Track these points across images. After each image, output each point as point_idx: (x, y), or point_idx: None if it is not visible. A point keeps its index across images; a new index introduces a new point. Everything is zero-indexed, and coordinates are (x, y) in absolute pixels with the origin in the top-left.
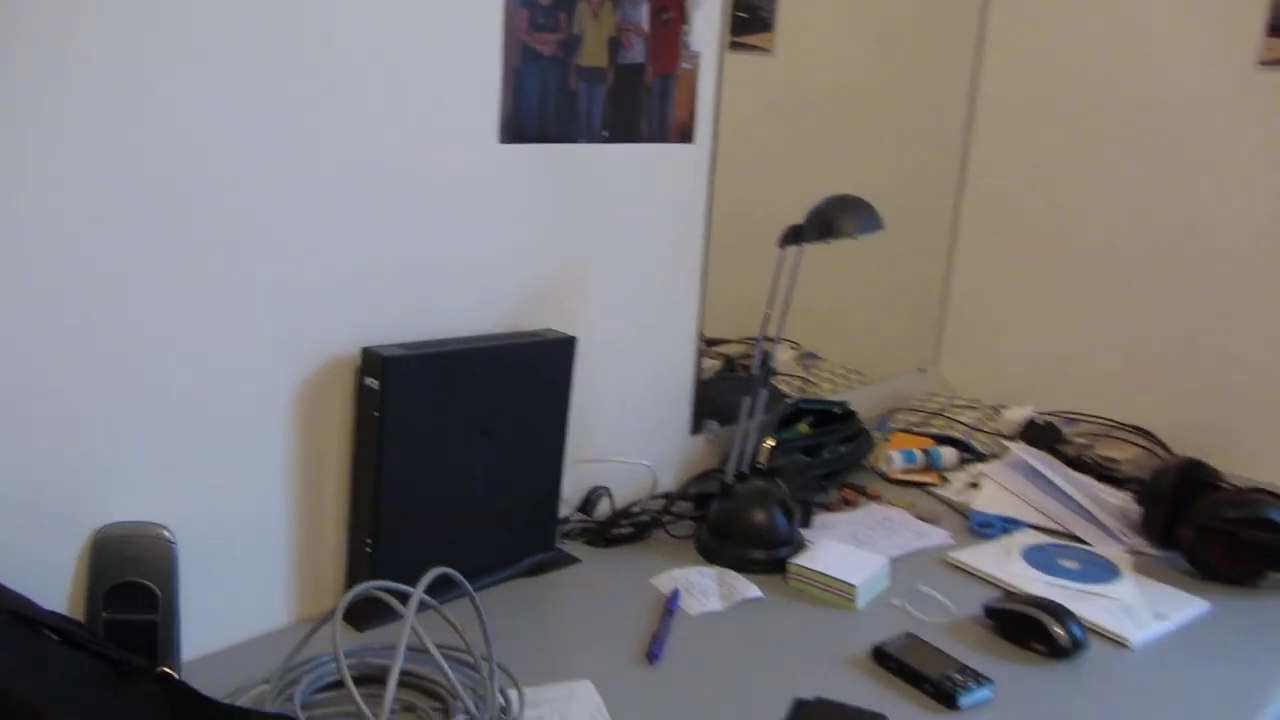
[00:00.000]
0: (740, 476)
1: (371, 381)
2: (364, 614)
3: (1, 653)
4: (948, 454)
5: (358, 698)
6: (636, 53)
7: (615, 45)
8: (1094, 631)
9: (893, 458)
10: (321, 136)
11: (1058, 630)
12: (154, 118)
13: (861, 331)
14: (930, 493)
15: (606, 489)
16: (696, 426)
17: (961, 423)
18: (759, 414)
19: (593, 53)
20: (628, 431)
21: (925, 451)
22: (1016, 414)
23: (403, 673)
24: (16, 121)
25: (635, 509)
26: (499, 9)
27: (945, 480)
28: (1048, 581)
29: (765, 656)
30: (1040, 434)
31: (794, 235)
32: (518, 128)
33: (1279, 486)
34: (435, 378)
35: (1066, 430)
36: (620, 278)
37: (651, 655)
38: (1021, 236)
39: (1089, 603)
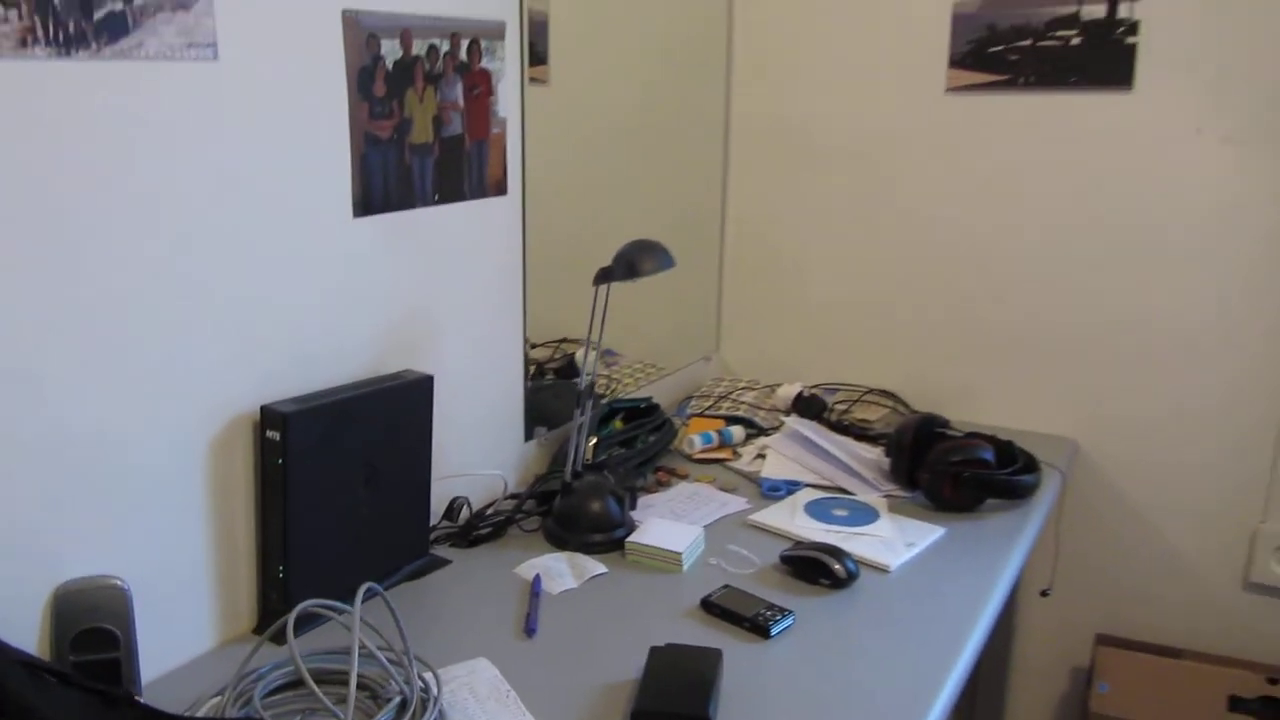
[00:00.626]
0: (576, 474)
1: (273, 434)
2: (279, 630)
3: (28, 693)
4: (737, 432)
5: (319, 692)
6: (455, 126)
7: (438, 122)
8: (863, 563)
9: (693, 441)
10: (207, 228)
11: (836, 567)
12: (43, 206)
13: (652, 327)
14: (727, 467)
15: (466, 498)
16: (529, 434)
17: (745, 402)
18: (588, 426)
19: (421, 131)
20: (476, 446)
21: (719, 432)
22: (788, 390)
23: (330, 671)
24: None
25: (490, 511)
26: (344, 108)
27: (738, 455)
28: (825, 529)
29: (618, 619)
30: (808, 405)
31: (605, 275)
32: (367, 203)
33: (998, 428)
34: (324, 425)
35: (829, 399)
36: (460, 316)
37: (529, 630)
38: (779, 236)
39: (857, 541)
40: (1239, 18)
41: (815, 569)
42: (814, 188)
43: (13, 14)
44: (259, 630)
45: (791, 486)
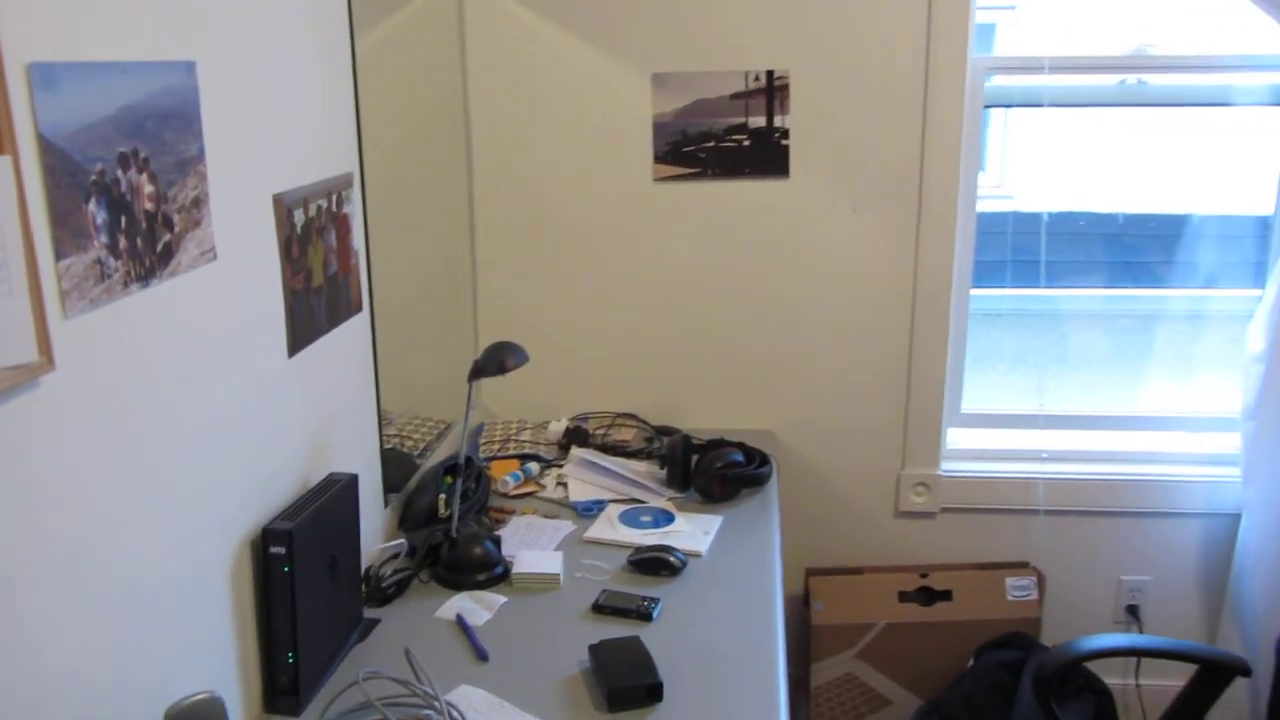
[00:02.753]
0: (446, 532)
1: (278, 549)
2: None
3: None
4: (534, 467)
5: None
6: (333, 265)
7: (325, 265)
8: (685, 553)
9: (506, 481)
10: (208, 387)
11: (673, 560)
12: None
13: (422, 386)
14: (539, 498)
15: (370, 565)
16: (386, 501)
17: (525, 440)
18: (458, 498)
19: (317, 276)
20: (369, 521)
21: (522, 469)
22: (557, 426)
23: None
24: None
25: (390, 573)
26: (278, 272)
27: (542, 486)
28: (642, 533)
29: (539, 633)
30: (576, 435)
31: (478, 372)
32: (293, 343)
33: (718, 430)
34: (310, 533)
35: (587, 426)
36: (347, 417)
37: (483, 656)
38: (525, 292)
39: (670, 538)
40: (846, 126)
41: (656, 565)
42: (549, 258)
43: (117, 262)
44: (271, 710)
45: (599, 505)
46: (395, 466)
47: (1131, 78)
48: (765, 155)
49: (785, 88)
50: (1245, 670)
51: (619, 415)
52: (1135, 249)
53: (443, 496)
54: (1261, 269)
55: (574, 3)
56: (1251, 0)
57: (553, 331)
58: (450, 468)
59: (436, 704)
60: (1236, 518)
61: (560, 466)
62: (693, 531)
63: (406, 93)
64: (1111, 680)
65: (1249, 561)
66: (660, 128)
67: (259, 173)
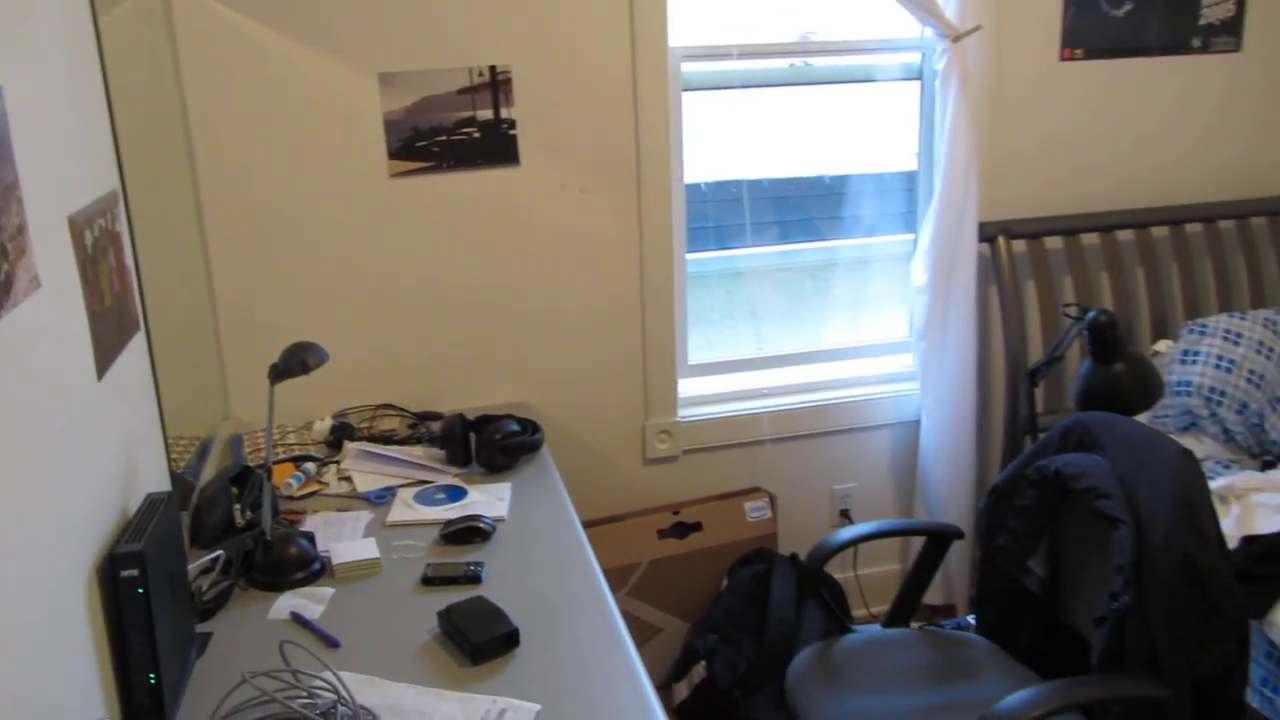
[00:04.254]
0: (262, 533)
1: (130, 572)
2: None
3: None
4: (311, 466)
5: None
6: (115, 283)
7: (110, 285)
8: (496, 521)
9: (289, 483)
10: (20, 416)
11: (484, 526)
12: None
13: (173, 403)
14: (326, 495)
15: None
16: None
17: (293, 443)
18: (268, 501)
19: (107, 295)
20: None
21: (301, 470)
22: (322, 425)
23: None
24: None
25: (204, 586)
26: (80, 294)
27: (325, 484)
28: (442, 509)
29: (380, 613)
30: (343, 431)
31: (280, 373)
32: (100, 365)
33: (478, 407)
34: (155, 553)
35: (350, 421)
36: (145, 437)
37: (333, 644)
38: (267, 296)
39: (471, 508)
40: (568, 115)
41: (469, 534)
42: (288, 261)
43: None
44: None
45: (390, 491)
46: (178, 486)
47: (799, 61)
48: (496, 145)
49: (509, 81)
50: (959, 534)
51: (379, 407)
52: (806, 208)
53: (237, 507)
54: (912, 216)
55: (292, 7)
56: None
57: (300, 332)
58: (234, 478)
59: (328, 685)
60: (918, 423)
61: (338, 462)
62: (489, 500)
63: (121, 100)
64: (838, 575)
65: (930, 456)
66: (392, 125)
67: (56, 195)
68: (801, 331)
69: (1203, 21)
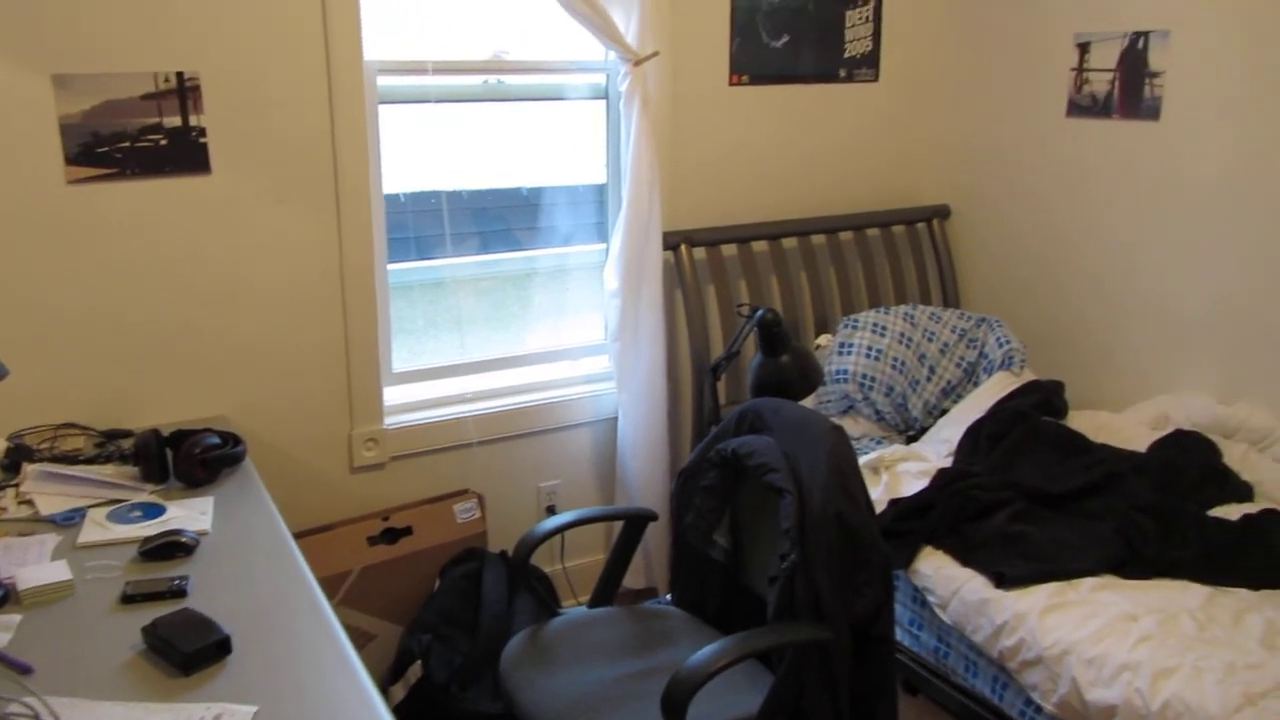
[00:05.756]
0: None
1: None
2: None
3: None
4: None
5: None
6: None
7: None
8: (200, 535)
9: None
10: None
11: (186, 540)
12: None
13: None
14: (4, 520)
15: None
16: None
17: None
18: None
19: None
20: None
21: None
22: None
23: None
24: None
25: None
26: None
27: (2, 508)
28: (139, 527)
29: (81, 635)
30: (20, 453)
31: None
32: None
33: (175, 423)
34: None
35: (27, 442)
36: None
37: (25, 670)
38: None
39: (170, 524)
40: (263, 124)
41: (170, 549)
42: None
43: None
44: None
45: (78, 513)
46: None
47: (493, 78)
48: (184, 153)
49: (198, 88)
50: (654, 516)
51: (59, 427)
52: (504, 219)
53: None
54: (603, 227)
55: None
56: (576, 20)
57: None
58: None
59: (29, 710)
60: (615, 419)
61: (17, 485)
62: (190, 515)
63: None
64: (547, 569)
65: (628, 449)
66: (70, 129)
67: None
68: (504, 337)
69: (847, 54)
